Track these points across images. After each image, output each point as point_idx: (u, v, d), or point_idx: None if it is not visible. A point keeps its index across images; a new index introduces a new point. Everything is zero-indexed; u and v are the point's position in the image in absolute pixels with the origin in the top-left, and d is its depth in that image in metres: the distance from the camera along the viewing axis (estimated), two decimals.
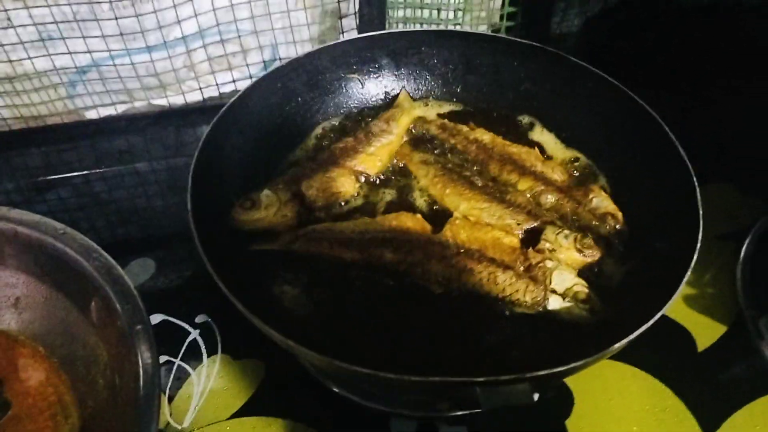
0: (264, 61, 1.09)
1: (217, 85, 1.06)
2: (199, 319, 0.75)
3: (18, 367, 0.65)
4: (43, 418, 0.62)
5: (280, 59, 1.04)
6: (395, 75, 0.86)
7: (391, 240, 0.67)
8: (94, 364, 0.62)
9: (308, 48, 1.05)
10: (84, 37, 0.95)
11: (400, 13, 1.01)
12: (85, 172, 0.97)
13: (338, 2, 1.02)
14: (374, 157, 0.77)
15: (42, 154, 1.02)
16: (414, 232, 0.69)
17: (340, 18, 1.04)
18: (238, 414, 0.68)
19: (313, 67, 0.82)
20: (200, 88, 1.06)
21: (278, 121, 0.79)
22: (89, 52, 0.99)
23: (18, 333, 0.67)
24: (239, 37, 1.02)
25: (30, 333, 0.66)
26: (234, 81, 1.08)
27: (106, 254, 0.63)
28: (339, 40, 0.84)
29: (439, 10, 1.00)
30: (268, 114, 0.78)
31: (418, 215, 0.71)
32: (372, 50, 0.84)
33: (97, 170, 0.97)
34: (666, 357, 0.71)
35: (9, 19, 0.94)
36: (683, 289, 0.57)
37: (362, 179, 0.76)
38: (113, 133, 1.04)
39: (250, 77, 1.05)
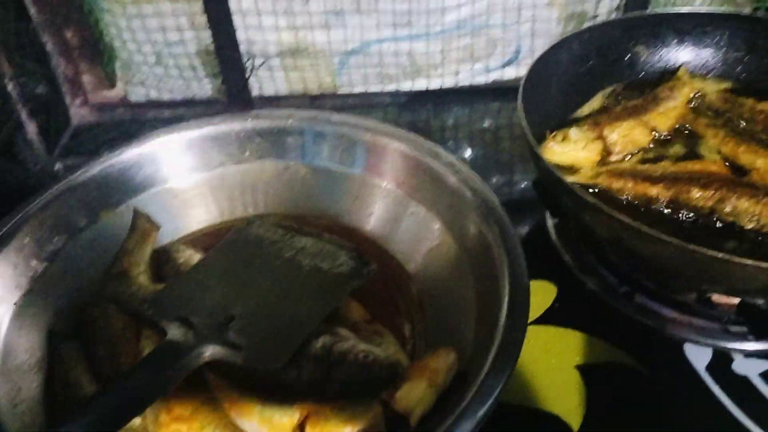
0: (509, 54, 1.18)
1: (459, 73, 1.15)
2: None
3: None
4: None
5: (519, 54, 1.13)
6: (677, 50, 0.92)
7: (699, 178, 0.73)
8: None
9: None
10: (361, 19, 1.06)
11: None
12: None
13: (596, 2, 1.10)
14: (663, 116, 0.83)
15: None
16: (720, 173, 0.74)
17: (594, 17, 1.12)
18: (535, 323, 0.74)
19: (605, 35, 0.89)
20: (446, 75, 1.16)
21: (572, 80, 0.87)
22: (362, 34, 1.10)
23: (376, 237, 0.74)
24: (488, 30, 1.11)
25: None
26: (478, 71, 1.17)
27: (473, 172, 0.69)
28: (632, 14, 0.92)
29: None
30: (563, 71, 0.87)
31: (720, 161, 0.76)
32: (660, 26, 0.91)
33: None
34: None
35: None
36: None
37: (654, 134, 0.82)
38: (372, 108, 1.16)
39: (488, 70, 1.15)
